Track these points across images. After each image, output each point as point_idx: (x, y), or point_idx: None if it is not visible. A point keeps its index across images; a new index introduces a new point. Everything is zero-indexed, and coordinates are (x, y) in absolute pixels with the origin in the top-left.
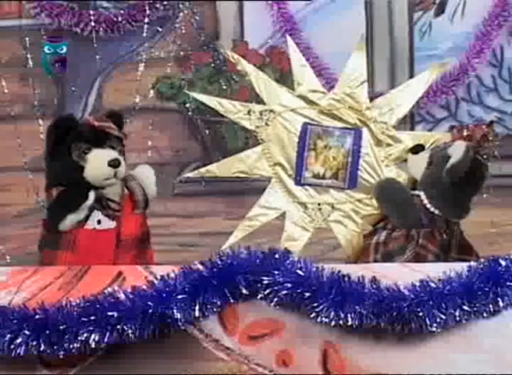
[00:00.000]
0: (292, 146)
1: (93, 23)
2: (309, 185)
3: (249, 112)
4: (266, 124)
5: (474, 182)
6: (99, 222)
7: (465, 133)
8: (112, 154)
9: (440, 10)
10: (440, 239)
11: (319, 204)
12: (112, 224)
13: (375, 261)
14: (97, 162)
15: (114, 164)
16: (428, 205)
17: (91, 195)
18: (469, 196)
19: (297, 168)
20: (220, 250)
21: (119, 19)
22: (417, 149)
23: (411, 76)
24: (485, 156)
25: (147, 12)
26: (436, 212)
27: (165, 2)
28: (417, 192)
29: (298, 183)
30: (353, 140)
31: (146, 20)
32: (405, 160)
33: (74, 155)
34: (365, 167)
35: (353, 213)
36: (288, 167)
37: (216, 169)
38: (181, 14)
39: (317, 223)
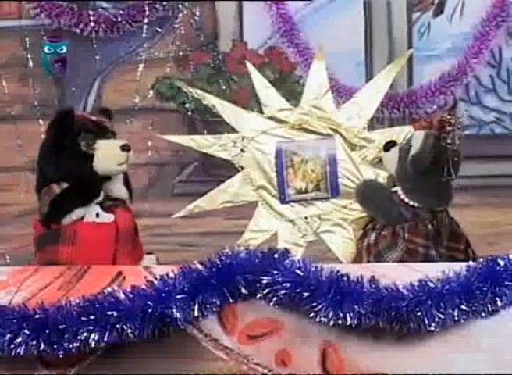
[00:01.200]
0: (270, 167)
1: (92, 24)
2: (294, 201)
3: (224, 144)
4: (242, 151)
5: (440, 168)
6: (97, 215)
7: (424, 123)
8: (120, 140)
9: (439, 11)
10: (425, 230)
11: (306, 218)
12: (111, 218)
13: (369, 262)
14: (109, 149)
15: (126, 148)
16: (406, 200)
17: (102, 192)
18: (442, 183)
19: (280, 187)
20: (219, 250)
21: (119, 19)
22: (388, 146)
23: (410, 76)
24: (449, 141)
25: (147, 12)
26: (416, 204)
27: (165, 3)
28: (395, 189)
29: (283, 201)
30: (327, 149)
31: (145, 21)
32: (381, 159)
33: (82, 146)
34: (344, 173)
35: (341, 221)
36: (271, 188)
37: (203, 203)
38: (180, 14)
39: (308, 237)
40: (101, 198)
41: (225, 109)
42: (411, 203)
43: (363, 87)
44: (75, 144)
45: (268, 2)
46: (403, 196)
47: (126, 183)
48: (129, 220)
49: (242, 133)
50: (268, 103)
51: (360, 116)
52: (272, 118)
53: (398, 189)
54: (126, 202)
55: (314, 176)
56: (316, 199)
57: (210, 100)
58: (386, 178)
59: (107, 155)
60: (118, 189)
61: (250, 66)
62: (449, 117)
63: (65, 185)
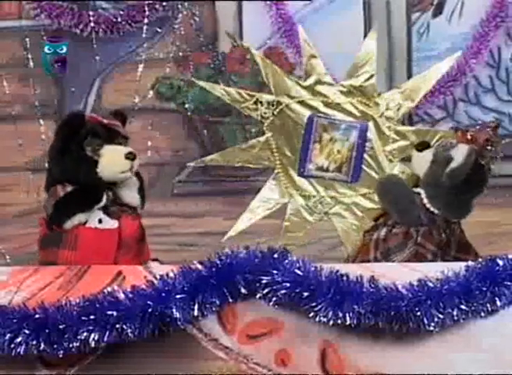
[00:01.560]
0: (297, 137)
1: (92, 24)
2: (312, 177)
3: (256, 103)
4: (273, 114)
5: (475, 185)
6: (100, 221)
7: (469, 137)
8: (126, 148)
9: (438, 11)
10: (438, 238)
11: (322, 196)
12: (114, 224)
13: (375, 257)
14: (113, 156)
15: (131, 157)
16: (428, 205)
17: (104, 197)
18: (469, 198)
19: (301, 160)
20: (219, 250)
21: (119, 19)
22: (422, 146)
23: (409, 76)
24: (487, 160)
25: (147, 12)
26: (436, 211)
27: (165, 3)
28: (418, 190)
29: (301, 174)
30: (358, 134)
31: (145, 21)
32: (409, 156)
33: (88, 150)
34: (369, 161)
35: (354, 207)
36: (292, 158)
37: (220, 157)
38: (180, 15)
39: (318, 216)
40: (102, 204)
41: (267, 68)
42: (432, 209)
43: (410, 80)
44: (81, 148)
45: (268, 3)
46: (425, 200)
47: (141, 190)
48: (135, 227)
49: (278, 97)
50: (310, 72)
51: (399, 108)
52: (310, 89)
53: (421, 192)
54: (136, 209)
55: (338, 157)
56: (334, 180)
57: (254, 55)
58: (408, 176)
59: (111, 162)
60: (129, 195)
61: (301, 31)
62: (494, 136)
63: (69, 188)
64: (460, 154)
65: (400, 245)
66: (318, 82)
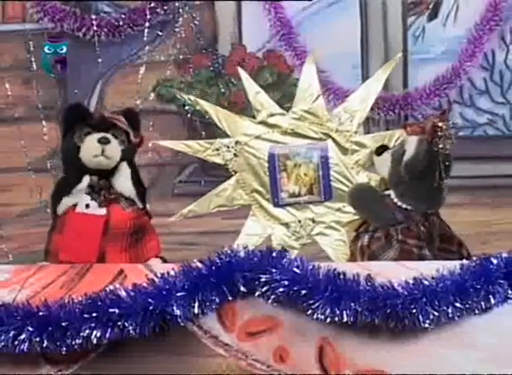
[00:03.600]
0: (264, 171)
1: (95, 28)
2: (287, 205)
3: (217, 149)
4: (235, 155)
5: (433, 172)
6: (87, 206)
7: (417, 129)
8: (102, 134)
9: (433, 15)
10: (417, 232)
11: (299, 221)
12: (102, 211)
13: None
14: (89, 141)
15: (102, 141)
16: (399, 203)
17: (85, 179)
18: (433, 187)
19: (273, 191)
20: (219, 249)
21: (121, 23)
22: (380, 150)
23: (405, 79)
24: (441, 146)
25: (148, 16)
26: (408, 207)
27: (166, 7)
28: (388, 192)
29: (277, 205)
30: (319, 153)
31: (147, 24)
32: (373, 163)
33: (75, 137)
34: (337, 177)
35: (334, 223)
36: (264, 192)
37: (196, 207)
38: (181, 18)
39: (302, 240)
40: (83, 186)
41: (218, 114)
42: (404, 206)
43: (354, 92)
44: (72, 135)
45: (267, 7)
46: (395, 199)
47: (137, 182)
48: (125, 217)
49: (235, 138)
50: (259, 108)
51: (352, 120)
52: (264, 123)
53: (391, 192)
54: (134, 202)
55: (307, 180)
56: (309, 203)
57: (203, 106)
58: (378, 181)
59: (86, 146)
60: (120, 185)
61: (241, 72)
62: (440, 122)
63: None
64: (411, 145)
65: (384, 247)
66: (270, 115)
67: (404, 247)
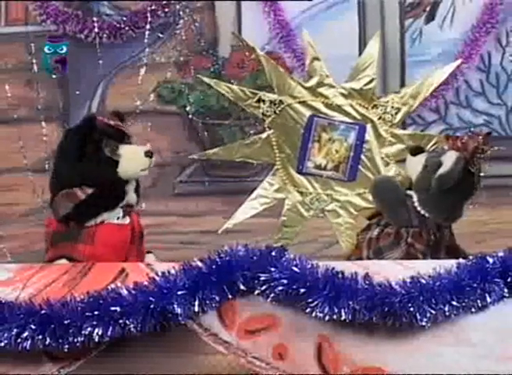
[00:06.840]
0: (297, 136)
1: (96, 30)
2: (310, 175)
3: (258, 101)
4: (275, 113)
5: (463, 191)
6: (118, 218)
7: (459, 144)
8: (143, 147)
9: (430, 17)
10: (428, 239)
11: (318, 194)
12: (127, 220)
13: (368, 256)
14: (134, 155)
15: (150, 155)
16: (419, 208)
17: (130, 191)
18: (458, 204)
19: (300, 157)
20: (219, 248)
21: (122, 25)
22: (416, 151)
23: (402, 80)
24: (476, 167)
25: (149, 19)
26: (426, 214)
27: (166, 10)
28: (410, 192)
29: (300, 171)
30: (356, 135)
31: (147, 27)
32: (404, 159)
33: (107, 151)
34: (366, 162)
35: (349, 205)
36: (291, 156)
37: (222, 151)
38: (181, 21)
39: (314, 212)
40: (125, 202)
41: (270, 68)
42: (422, 212)
43: (409, 86)
44: (98, 150)
45: (267, 9)
46: (416, 204)
47: (137, 190)
48: (140, 224)
49: (280, 97)
50: (312, 74)
51: (397, 113)
52: (312, 90)
53: (413, 195)
54: (133, 208)
55: (336, 157)
56: (331, 178)
57: (258, 54)
58: (404, 178)
59: (132, 160)
60: (129, 195)
61: (305, 35)
62: (484, 145)
63: (88, 190)
64: (449, 160)
65: (391, 245)
66: (320, 84)
67: (411, 250)
